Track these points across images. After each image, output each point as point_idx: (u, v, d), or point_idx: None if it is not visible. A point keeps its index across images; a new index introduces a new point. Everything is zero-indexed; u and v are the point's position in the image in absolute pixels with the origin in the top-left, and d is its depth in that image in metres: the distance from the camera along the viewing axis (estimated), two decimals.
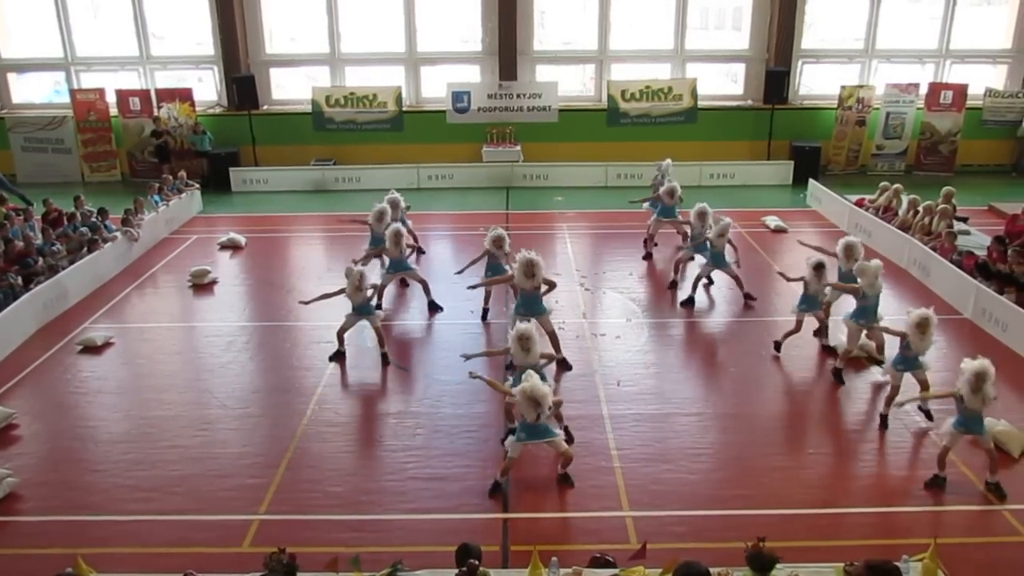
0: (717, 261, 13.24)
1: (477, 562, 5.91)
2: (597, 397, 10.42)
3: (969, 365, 8.25)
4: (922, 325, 9.27)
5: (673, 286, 14.12)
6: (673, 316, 13.14)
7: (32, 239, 14.24)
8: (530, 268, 10.65)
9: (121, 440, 9.61)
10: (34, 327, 12.65)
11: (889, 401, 9.70)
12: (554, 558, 6.17)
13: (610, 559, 6.53)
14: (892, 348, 10.21)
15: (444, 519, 8.15)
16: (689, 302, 13.42)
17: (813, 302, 11.32)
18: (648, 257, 15.72)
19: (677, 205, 15.27)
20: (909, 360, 9.53)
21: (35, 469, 9.07)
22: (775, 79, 21.59)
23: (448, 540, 7.53)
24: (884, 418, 9.71)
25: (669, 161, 17.02)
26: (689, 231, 14.23)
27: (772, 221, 17.62)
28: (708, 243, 13.21)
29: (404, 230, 13.13)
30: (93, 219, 15.38)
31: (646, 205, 16.32)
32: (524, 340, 8.73)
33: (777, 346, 11.60)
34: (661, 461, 9.01)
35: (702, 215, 13.70)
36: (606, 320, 12.97)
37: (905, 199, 16.27)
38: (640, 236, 16.09)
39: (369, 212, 14.13)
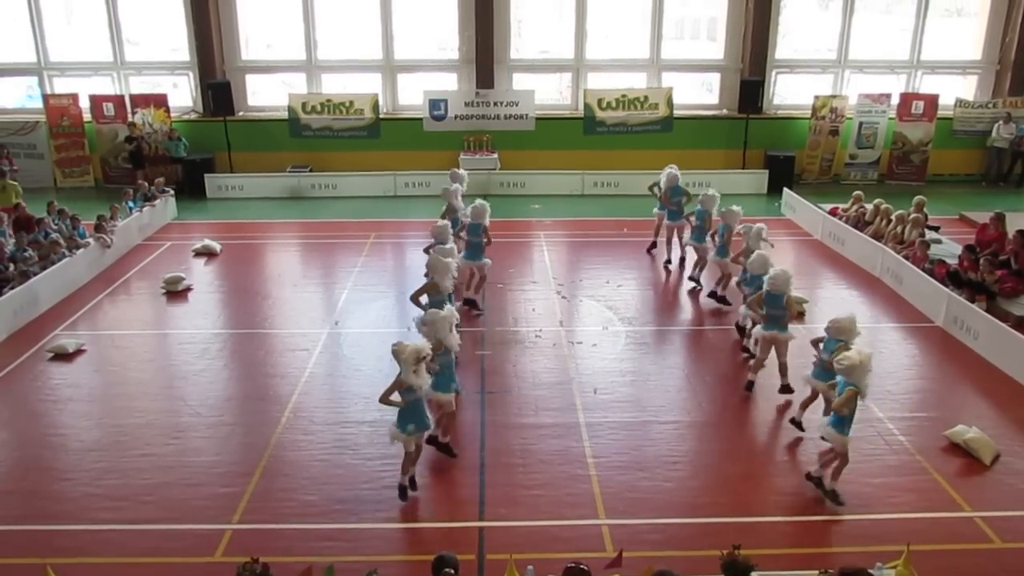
0: (697, 236, 13.94)
1: (453, 571, 5.89)
2: (573, 405, 10.42)
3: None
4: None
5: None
6: (650, 324, 13.18)
7: (3, 245, 14.05)
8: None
9: (92, 448, 9.49)
10: (4, 334, 12.47)
11: (804, 406, 9.74)
12: (530, 567, 6.16)
13: (585, 567, 6.52)
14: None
15: (419, 528, 8.12)
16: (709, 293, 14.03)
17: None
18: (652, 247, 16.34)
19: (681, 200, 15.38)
20: (824, 372, 9.13)
21: (3, 478, 8.94)
22: (749, 89, 21.76)
23: (423, 549, 7.53)
24: (798, 424, 9.75)
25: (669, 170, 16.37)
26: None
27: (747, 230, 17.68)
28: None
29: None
30: (66, 222, 15.24)
31: (655, 209, 16.18)
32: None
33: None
34: (637, 469, 9.02)
35: (710, 198, 14.25)
36: (583, 328, 12.98)
37: (869, 206, 16.50)
38: (618, 244, 16.16)
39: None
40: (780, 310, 10.18)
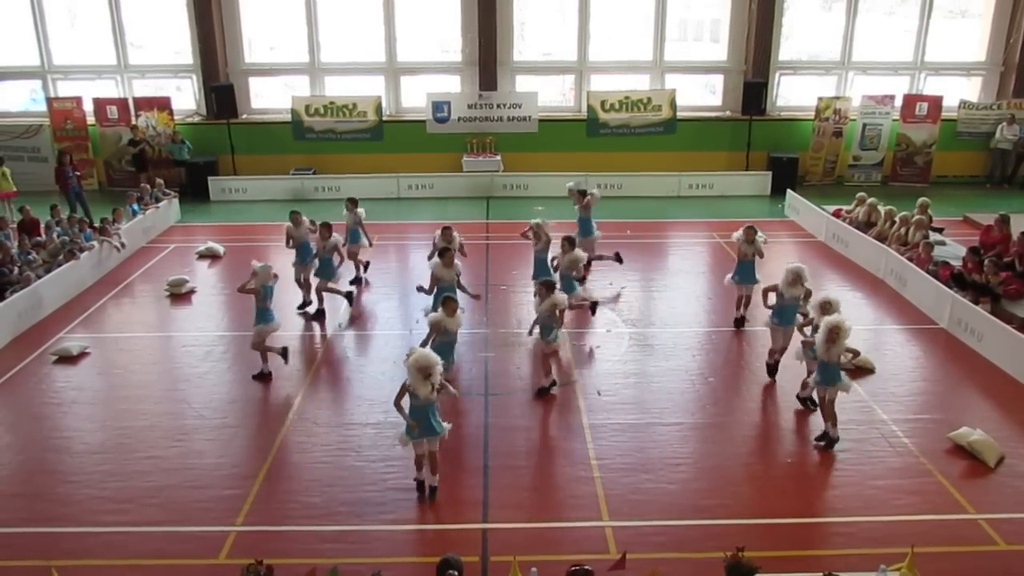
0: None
1: (457, 573, 5.89)
2: (577, 407, 10.41)
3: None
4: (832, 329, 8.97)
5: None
6: (653, 326, 13.17)
7: (8, 248, 14.08)
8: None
9: (96, 451, 9.50)
10: (8, 337, 12.49)
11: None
12: (533, 569, 6.16)
13: (588, 569, 6.52)
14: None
15: (423, 530, 8.12)
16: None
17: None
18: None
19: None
20: (828, 374, 9.23)
21: (8, 481, 8.95)
22: (753, 90, 21.77)
23: (427, 551, 7.53)
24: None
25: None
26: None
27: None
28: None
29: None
30: (72, 228, 15.27)
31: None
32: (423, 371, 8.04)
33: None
34: (641, 471, 9.02)
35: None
36: (586, 330, 12.97)
37: (883, 210, 16.44)
38: (621, 246, 16.15)
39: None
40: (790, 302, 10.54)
